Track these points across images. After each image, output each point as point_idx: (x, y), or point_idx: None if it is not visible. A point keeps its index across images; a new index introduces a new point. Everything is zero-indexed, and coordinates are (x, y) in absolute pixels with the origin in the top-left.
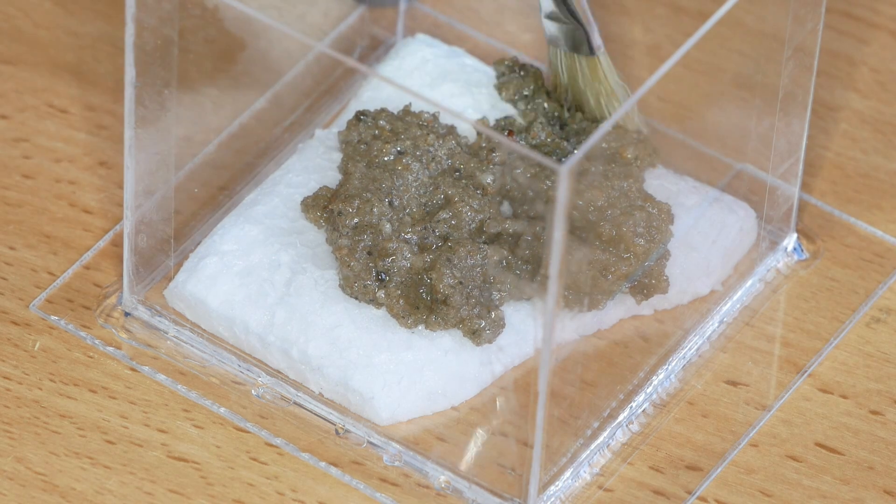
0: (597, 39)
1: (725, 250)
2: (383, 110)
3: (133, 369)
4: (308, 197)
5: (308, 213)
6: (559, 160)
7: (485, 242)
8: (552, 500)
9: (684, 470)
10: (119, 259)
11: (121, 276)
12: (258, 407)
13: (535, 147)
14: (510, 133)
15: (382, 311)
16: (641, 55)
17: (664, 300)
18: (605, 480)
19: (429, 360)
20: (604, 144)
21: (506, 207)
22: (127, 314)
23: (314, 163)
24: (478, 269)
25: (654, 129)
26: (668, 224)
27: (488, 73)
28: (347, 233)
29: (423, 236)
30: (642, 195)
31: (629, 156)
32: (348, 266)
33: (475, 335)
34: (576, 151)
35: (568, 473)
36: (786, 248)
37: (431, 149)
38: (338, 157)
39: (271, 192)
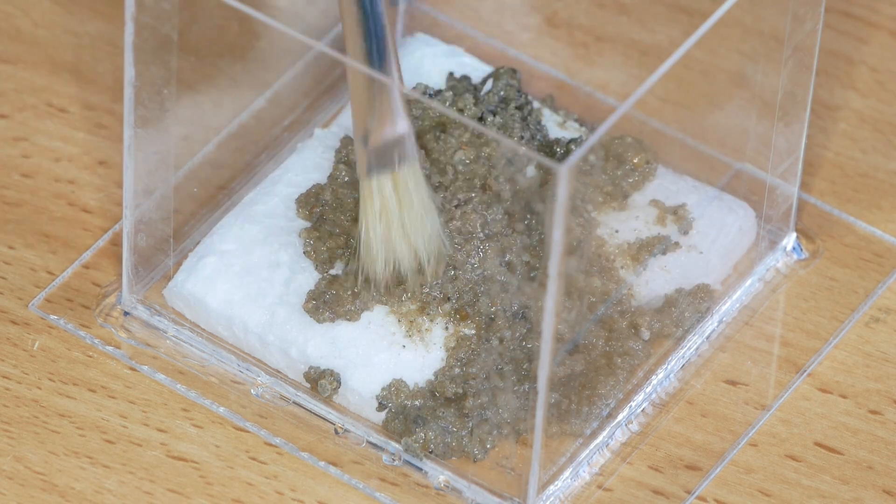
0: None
1: (725, 250)
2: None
3: (132, 369)
4: (301, 194)
5: (300, 211)
6: (559, 160)
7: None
8: (551, 499)
9: (683, 469)
10: (118, 258)
11: (120, 275)
12: (257, 406)
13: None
14: None
15: (381, 311)
16: (641, 55)
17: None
18: (605, 480)
19: (428, 359)
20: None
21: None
22: (126, 313)
23: (313, 162)
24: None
25: (654, 129)
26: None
27: (487, 73)
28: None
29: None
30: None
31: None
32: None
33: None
34: (576, 150)
35: (567, 473)
36: (785, 248)
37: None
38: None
39: (270, 192)
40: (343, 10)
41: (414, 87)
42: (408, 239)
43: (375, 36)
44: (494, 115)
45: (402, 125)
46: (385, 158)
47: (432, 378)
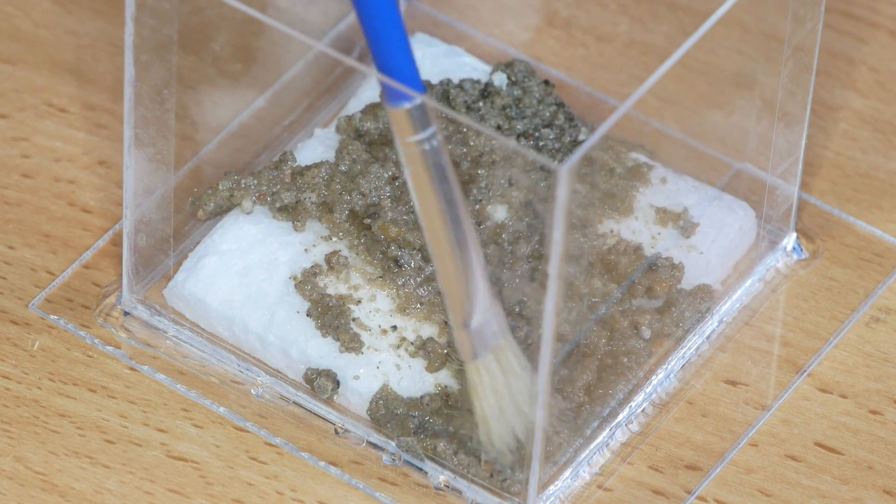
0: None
1: (725, 250)
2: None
3: (132, 369)
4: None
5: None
6: (560, 161)
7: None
8: (552, 499)
9: (684, 469)
10: (118, 258)
11: (120, 275)
12: (257, 406)
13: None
14: None
15: (381, 311)
16: (641, 55)
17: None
18: (605, 480)
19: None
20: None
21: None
22: (126, 313)
23: (313, 162)
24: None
25: (654, 129)
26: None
27: (487, 72)
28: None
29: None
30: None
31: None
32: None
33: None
34: (576, 151)
35: (567, 473)
36: (785, 248)
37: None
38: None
39: None
40: (419, 196)
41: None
42: (520, 408)
43: (454, 220)
44: (549, 126)
45: (493, 302)
46: (486, 338)
47: (432, 379)
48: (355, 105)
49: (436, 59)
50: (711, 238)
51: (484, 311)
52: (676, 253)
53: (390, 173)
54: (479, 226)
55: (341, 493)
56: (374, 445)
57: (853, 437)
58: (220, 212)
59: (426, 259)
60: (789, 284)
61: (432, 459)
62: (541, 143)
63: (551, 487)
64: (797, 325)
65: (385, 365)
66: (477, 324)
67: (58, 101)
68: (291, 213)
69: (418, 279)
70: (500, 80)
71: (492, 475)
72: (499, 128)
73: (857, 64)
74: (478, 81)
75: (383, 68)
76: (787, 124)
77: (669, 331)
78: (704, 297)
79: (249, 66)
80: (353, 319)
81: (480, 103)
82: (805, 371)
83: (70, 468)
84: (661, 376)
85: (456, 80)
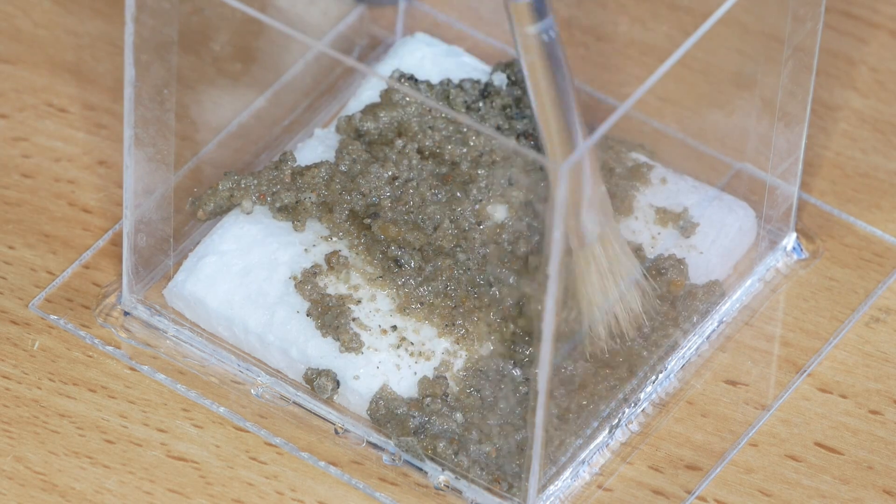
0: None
1: (725, 250)
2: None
3: (132, 369)
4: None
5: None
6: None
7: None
8: (552, 499)
9: (684, 469)
10: (118, 258)
11: (120, 275)
12: (257, 406)
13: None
14: None
15: (381, 311)
16: (641, 55)
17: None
18: (605, 480)
19: (429, 362)
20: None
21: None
22: (126, 313)
23: (313, 162)
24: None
25: (654, 129)
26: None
27: (487, 72)
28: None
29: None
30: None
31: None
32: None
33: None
34: (576, 150)
35: (567, 473)
36: (785, 248)
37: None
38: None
39: None
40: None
41: (392, 76)
42: (624, 299)
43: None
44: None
45: (600, 186)
46: (592, 227)
47: (432, 378)
48: (355, 105)
49: (436, 59)
50: (711, 238)
51: (592, 201)
52: (676, 253)
53: (390, 173)
54: (479, 226)
55: (341, 493)
56: (374, 445)
57: (853, 437)
58: (220, 212)
59: (426, 259)
60: (789, 284)
61: (432, 459)
62: (541, 143)
63: (551, 487)
64: (797, 325)
65: (385, 365)
66: (585, 213)
67: (58, 101)
68: (291, 213)
69: (418, 279)
70: (500, 80)
71: (497, 481)
72: (499, 128)
73: (857, 64)
74: (478, 81)
75: None
76: (787, 124)
77: (685, 328)
78: (716, 292)
79: (249, 66)
80: (353, 319)
81: (480, 103)
82: (805, 371)
83: (70, 468)
84: (660, 376)
85: (456, 80)
